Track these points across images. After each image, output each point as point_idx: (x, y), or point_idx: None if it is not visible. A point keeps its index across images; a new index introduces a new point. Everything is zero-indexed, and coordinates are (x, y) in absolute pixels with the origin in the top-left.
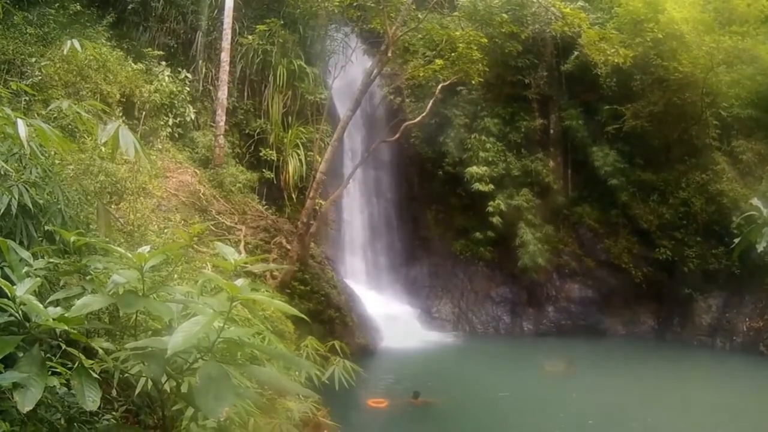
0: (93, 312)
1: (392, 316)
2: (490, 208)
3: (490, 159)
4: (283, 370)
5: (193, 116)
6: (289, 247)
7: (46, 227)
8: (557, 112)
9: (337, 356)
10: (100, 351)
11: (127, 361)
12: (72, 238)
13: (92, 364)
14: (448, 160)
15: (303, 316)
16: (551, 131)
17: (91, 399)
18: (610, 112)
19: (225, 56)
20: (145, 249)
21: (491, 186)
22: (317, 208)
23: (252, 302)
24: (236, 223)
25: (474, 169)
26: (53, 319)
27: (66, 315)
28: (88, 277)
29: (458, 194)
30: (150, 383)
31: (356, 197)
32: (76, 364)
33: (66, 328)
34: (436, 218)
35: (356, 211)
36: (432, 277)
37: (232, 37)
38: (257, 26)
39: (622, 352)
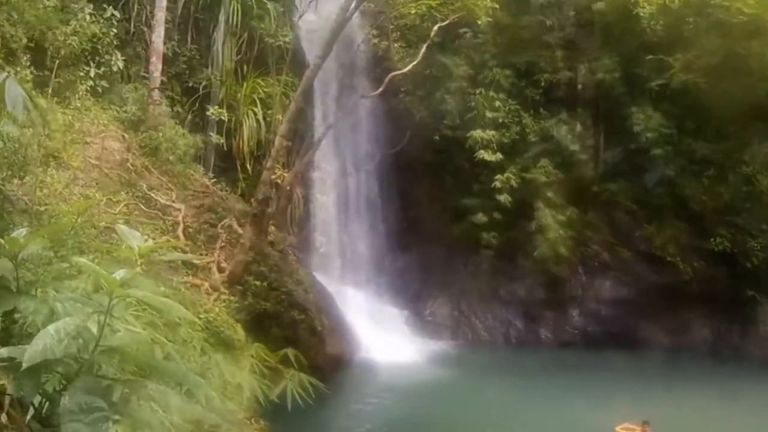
0: None
1: (374, 320)
2: (497, 184)
3: (500, 121)
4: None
5: (121, 65)
6: (241, 231)
7: None
8: (587, 62)
9: (292, 368)
10: None
11: None
12: None
13: None
14: (447, 121)
15: (188, 316)
16: (579, 87)
17: None
18: (655, 63)
19: None
20: (21, 232)
21: (500, 155)
22: (278, 181)
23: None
24: (173, 201)
25: (479, 134)
26: None
27: None
28: None
29: (458, 165)
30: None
31: (329, 169)
32: None
33: None
34: (430, 195)
35: (329, 186)
36: (424, 270)
37: None
38: None
39: (665, 371)
